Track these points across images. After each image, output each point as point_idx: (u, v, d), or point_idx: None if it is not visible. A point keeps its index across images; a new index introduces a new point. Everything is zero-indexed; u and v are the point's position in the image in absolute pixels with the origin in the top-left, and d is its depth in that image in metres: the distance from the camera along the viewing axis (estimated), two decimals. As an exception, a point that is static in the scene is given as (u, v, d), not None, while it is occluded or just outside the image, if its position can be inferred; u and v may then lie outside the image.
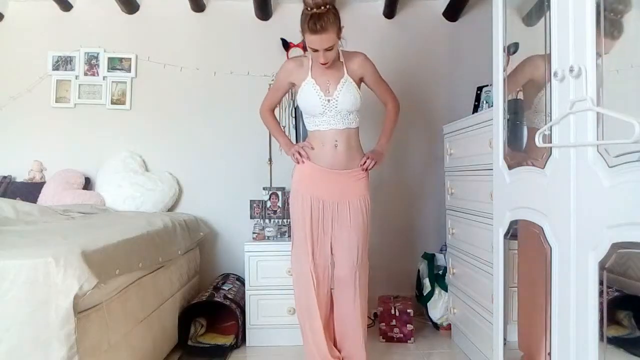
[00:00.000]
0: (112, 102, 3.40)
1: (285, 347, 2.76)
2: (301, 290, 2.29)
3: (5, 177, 3.25)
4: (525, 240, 1.59)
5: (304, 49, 3.38)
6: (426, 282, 3.05)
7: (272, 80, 3.36)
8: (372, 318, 3.10)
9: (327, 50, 2.09)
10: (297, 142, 3.03)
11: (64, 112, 3.40)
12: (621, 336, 1.20)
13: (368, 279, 2.35)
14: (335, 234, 2.25)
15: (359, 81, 2.30)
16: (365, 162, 2.27)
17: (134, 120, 3.40)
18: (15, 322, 1.50)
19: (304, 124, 2.95)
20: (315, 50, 2.11)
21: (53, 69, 3.39)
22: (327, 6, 2.01)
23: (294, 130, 3.32)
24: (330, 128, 2.23)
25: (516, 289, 1.65)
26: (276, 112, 3.37)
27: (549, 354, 1.34)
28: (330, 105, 2.21)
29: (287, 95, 3.37)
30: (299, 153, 2.29)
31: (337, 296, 2.32)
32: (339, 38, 2.13)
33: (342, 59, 2.25)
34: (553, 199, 1.32)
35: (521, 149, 1.65)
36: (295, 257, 2.32)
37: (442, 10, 3.40)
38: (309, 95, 2.22)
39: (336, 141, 2.24)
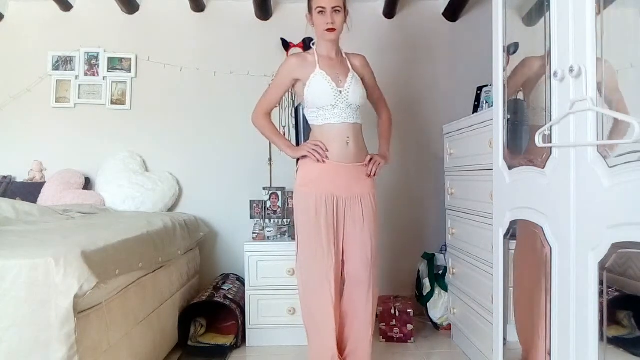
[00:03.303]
0: (112, 102, 3.40)
1: (285, 347, 2.76)
2: (312, 295, 2.17)
3: (5, 177, 3.26)
4: (522, 239, 1.59)
5: (304, 49, 3.39)
6: (426, 282, 3.05)
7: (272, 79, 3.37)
8: (372, 318, 3.10)
9: (335, 11, 2.05)
10: (297, 142, 3.03)
11: (64, 112, 3.40)
12: (621, 336, 1.20)
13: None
14: (347, 231, 2.18)
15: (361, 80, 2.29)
16: (370, 160, 2.21)
17: (134, 120, 3.40)
18: (15, 322, 1.50)
19: (305, 123, 2.97)
20: (322, 12, 2.09)
21: (53, 69, 3.39)
22: None
23: (294, 130, 3.31)
24: (342, 122, 2.17)
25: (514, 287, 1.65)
26: (276, 112, 3.40)
27: (549, 353, 1.34)
28: (342, 97, 2.16)
29: (287, 94, 3.41)
30: (317, 151, 2.15)
31: (348, 293, 2.23)
32: (346, 8, 2.14)
33: (344, 55, 2.25)
34: (553, 199, 1.32)
35: (521, 149, 1.65)
36: (304, 260, 2.19)
37: (442, 10, 3.40)
38: (320, 85, 2.15)
39: (348, 137, 2.17)
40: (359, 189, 2.20)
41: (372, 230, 2.20)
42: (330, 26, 2.11)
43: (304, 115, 2.96)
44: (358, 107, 2.21)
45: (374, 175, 2.24)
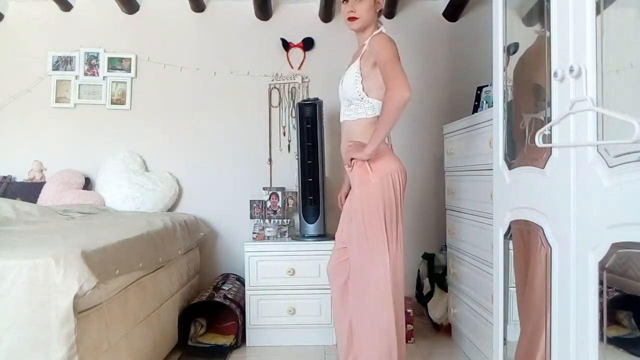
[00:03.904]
0: (112, 102, 3.40)
1: (285, 347, 2.77)
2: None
3: (5, 177, 3.26)
4: (518, 239, 1.59)
5: (304, 49, 3.40)
6: (426, 282, 3.05)
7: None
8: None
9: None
10: (300, 142, 3.01)
11: (64, 112, 3.40)
12: (621, 336, 1.20)
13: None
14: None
15: (373, 66, 2.02)
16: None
17: (134, 120, 3.40)
18: (15, 322, 1.50)
19: (305, 123, 2.97)
20: (345, 0, 2.01)
21: (53, 69, 3.39)
22: None
23: (295, 131, 3.31)
24: (343, 119, 2.13)
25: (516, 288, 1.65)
26: (276, 111, 3.41)
27: (549, 353, 1.34)
28: (341, 92, 2.13)
29: (287, 94, 3.42)
30: None
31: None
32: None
33: (365, 43, 2.05)
34: (553, 199, 1.32)
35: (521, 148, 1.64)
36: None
37: (442, 10, 3.40)
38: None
39: (346, 135, 2.11)
40: (352, 191, 2.09)
41: (355, 233, 2.03)
42: (350, 15, 2.04)
43: (304, 115, 2.98)
44: (350, 102, 2.07)
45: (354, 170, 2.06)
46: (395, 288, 1.98)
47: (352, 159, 2.05)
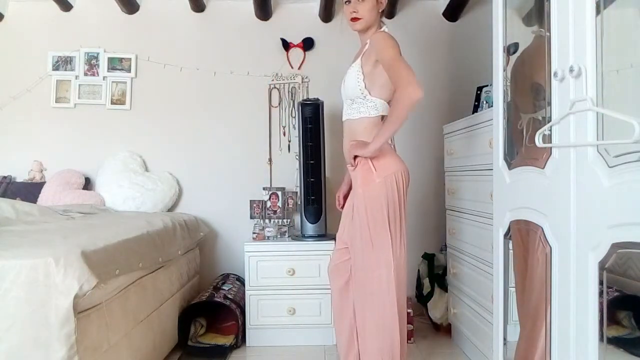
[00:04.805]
0: (112, 102, 3.40)
1: (285, 347, 2.77)
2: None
3: (5, 177, 3.26)
4: (518, 239, 1.59)
5: (304, 49, 3.40)
6: (426, 282, 3.05)
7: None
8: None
9: (360, 0, 2.00)
10: (300, 143, 3.00)
11: (64, 112, 3.40)
12: (621, 336, 1.20)
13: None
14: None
15: (374, 64, 2.01)
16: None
17: (134, 120, 3.40)
18: (15, 322, 1.50)
19: (307, 123, 2.97)
20: (347, 2, 2.02)
21: (53, 69, 3.39)
22: None
23: (295, 131, 3.31)
24: (345, 118, 2.12)
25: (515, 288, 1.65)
26: (276, 111, 3.41)
27: (549, 353, 1.34)
28: (343, 92, 2.12)
29: (287, 94, 3.42)
30: None
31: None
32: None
33: (368, 42, 2.05)
34: (553, 199, 1.32)
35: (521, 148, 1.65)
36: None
37: (442, 10, 3.40)
38: None
39: (348, 134, 2.10)
40: (355, 190, 2.07)
41: (358, 233, 2.01)
42: (353, 15, 2.03)
43: (304, 115, 2.98)
44: (352, 101, 2.06)
45: (355, 168, 2.04)
46: (398, 288, 1.98)
47: (355, 158, 2.03)
